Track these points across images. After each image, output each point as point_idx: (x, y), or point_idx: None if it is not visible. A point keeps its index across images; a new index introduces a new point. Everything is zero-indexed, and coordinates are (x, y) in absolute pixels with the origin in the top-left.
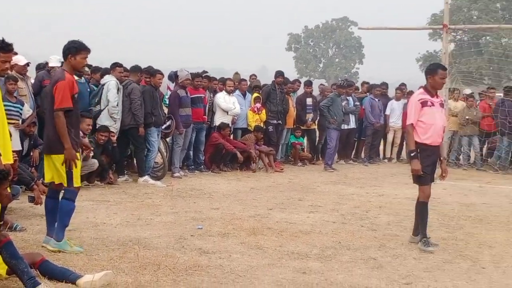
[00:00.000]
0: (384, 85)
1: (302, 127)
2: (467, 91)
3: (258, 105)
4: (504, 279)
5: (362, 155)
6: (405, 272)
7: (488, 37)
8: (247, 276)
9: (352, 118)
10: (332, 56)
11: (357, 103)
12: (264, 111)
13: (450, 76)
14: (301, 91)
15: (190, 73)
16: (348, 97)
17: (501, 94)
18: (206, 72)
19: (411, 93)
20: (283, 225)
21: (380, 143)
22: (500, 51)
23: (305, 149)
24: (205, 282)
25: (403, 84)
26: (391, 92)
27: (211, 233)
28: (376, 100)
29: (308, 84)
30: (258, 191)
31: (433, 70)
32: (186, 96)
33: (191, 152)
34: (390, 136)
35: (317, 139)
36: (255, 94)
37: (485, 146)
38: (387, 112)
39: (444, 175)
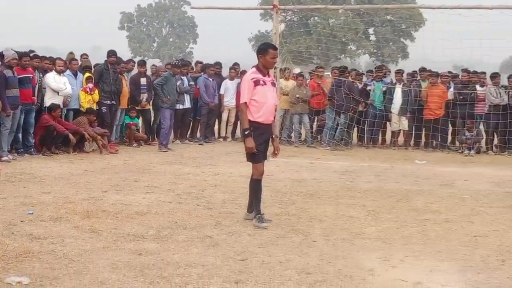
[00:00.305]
0: (218, 64)
1: (136, 107)
2: (297, 70)
3: (90, 85)
4: (333, 251)
5: (198, 134)
6: (240, 248)
7: (316, 18)
8: (81, 261)
9: (187, 98)
10: (166, 36)
11: (192, 82)
12: (96, 91)
13: (281, 55)
14: (135, 71)
15: (17, 52)
16: (182, 77)
17: (329, 73)
18: (34, 51)
19: (244, 72)
20: (119, 207)
21: (215, 122)
22: (328, 31)
23: (140, 130)
24: (37, 269)
25: (236, 64)
26: (225, 72)
27: (43, 218)
28: (210, 79)
29: (142, 63)
30: (92, 173)
31: (264, 49)
32: (13, 76)
33: (20, 135)
34: (224, 115)
35: (152, 119)
36: (87, 74)
37: (315, 123)
38: (221, 91)
39: (276, 152)
